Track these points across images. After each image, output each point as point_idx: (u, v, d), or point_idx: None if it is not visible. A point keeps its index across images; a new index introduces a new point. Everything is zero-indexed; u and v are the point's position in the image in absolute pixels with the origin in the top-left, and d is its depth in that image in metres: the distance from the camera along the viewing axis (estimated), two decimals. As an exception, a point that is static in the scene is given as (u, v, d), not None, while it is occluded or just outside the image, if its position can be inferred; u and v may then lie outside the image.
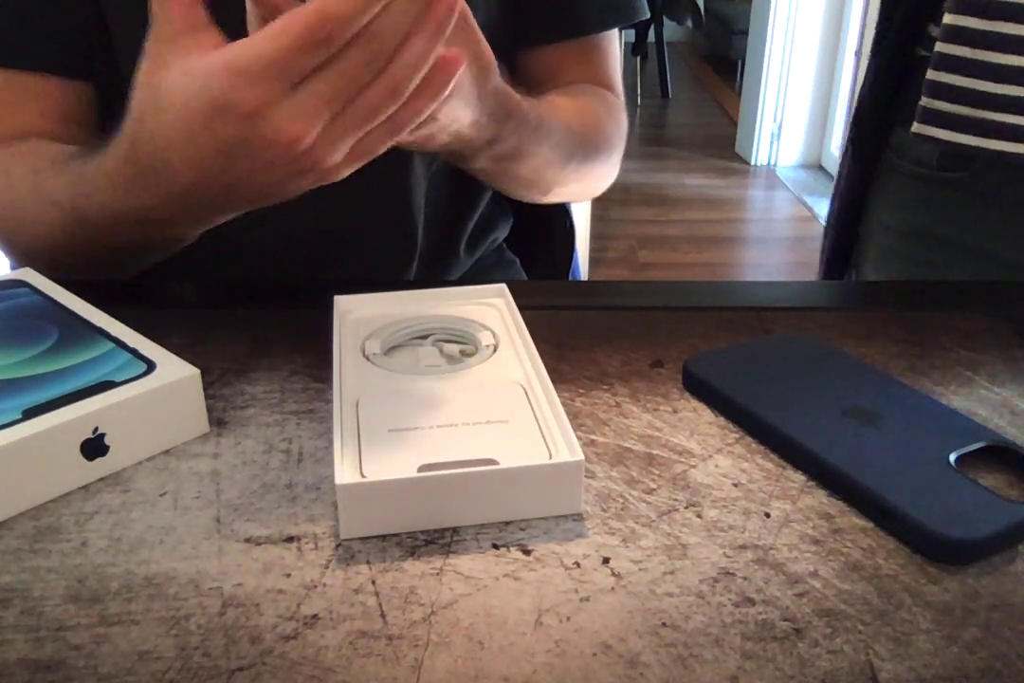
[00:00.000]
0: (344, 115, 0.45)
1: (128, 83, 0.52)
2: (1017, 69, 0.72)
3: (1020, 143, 0.73)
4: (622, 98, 0.83)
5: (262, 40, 0.42)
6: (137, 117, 0.47)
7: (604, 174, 0.79)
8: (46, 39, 0.64)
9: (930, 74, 0.76)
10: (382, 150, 0.48)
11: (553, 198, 0.77)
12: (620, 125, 0.79)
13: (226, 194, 0.49)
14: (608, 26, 0.78)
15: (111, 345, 0.46)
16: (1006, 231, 0.78)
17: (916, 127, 0.78)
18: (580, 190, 0.78)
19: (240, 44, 0.42)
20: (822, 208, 3.32)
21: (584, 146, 0.72)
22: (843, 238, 0.93)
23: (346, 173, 0.48)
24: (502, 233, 0.88)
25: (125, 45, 0.64)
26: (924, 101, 0.77)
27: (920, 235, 0.84)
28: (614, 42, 0.81)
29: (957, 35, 0.74)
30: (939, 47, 0.75)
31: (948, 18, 0.74)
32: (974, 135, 0.75)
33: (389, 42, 0.43)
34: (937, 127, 0.77)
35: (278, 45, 0.41)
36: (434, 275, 0.79)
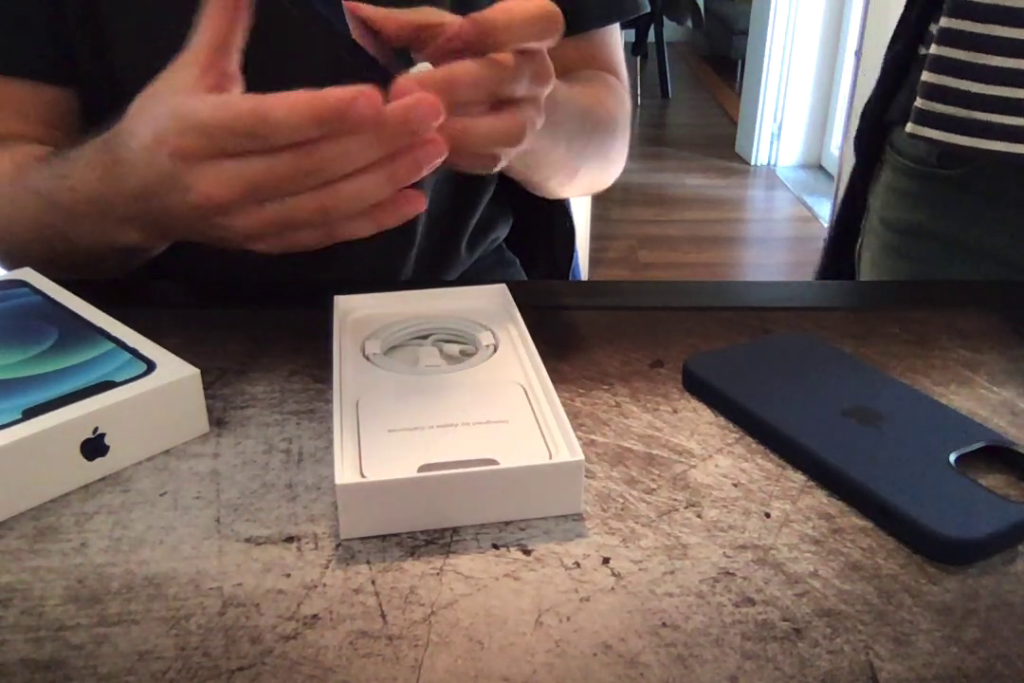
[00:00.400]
0: (270, 204, 0.46)
1: (126, 88, 0.53)
2: (1008, 71, 0.72)
3: (1012, 142, 0.74)
4: (626, 83, 0.83)
5: (208, 103, 0.44)
6: (127, 114, 0.50)
7: (617, 157, 0.79)
8: (29, 45, 0.64)
9: (925, 75, 0.77)
10: (314, 247, 0.48)
11: (576, 184, 0.76)
12: (624, 106, 0.79)
13: (161, 215, 0.50)
14: (611, 20, 0.78)
15: (111, 345, 0.46)
16: (1005, 229, 0.78)
17: (911, 127, 0.79)
18: (599, 174, 0.78)
19: (200, 98, 0.45)
20: (822, 208, 3.32)
21: (596, 122, 0.72)
22: (842, 235, 0.93)
23: (273, 250, 0.48)
24: (502, 233, 0.88)
25: (124, 50, 0.65)
26: (919, 102, 0.78)
27: (919, 232, 0.84)
28: (616, 36, 0.81)
29: (952, 38, 0.75)
30: (934, 49, 0.76)
31: (944, 21, 0.75)
32: (967, 135, 0.76)
33: (331, 167, 0.45)
34: (931, 128, 0.78)
35: (216, 114, 0.44)
36: (434, 275, 0.79)
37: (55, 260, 0.59)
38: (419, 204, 0.48)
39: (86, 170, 0.52)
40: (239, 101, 0.44)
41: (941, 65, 0.76)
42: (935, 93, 0.77)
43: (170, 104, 0.46)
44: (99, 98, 0.67)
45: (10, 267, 0.55)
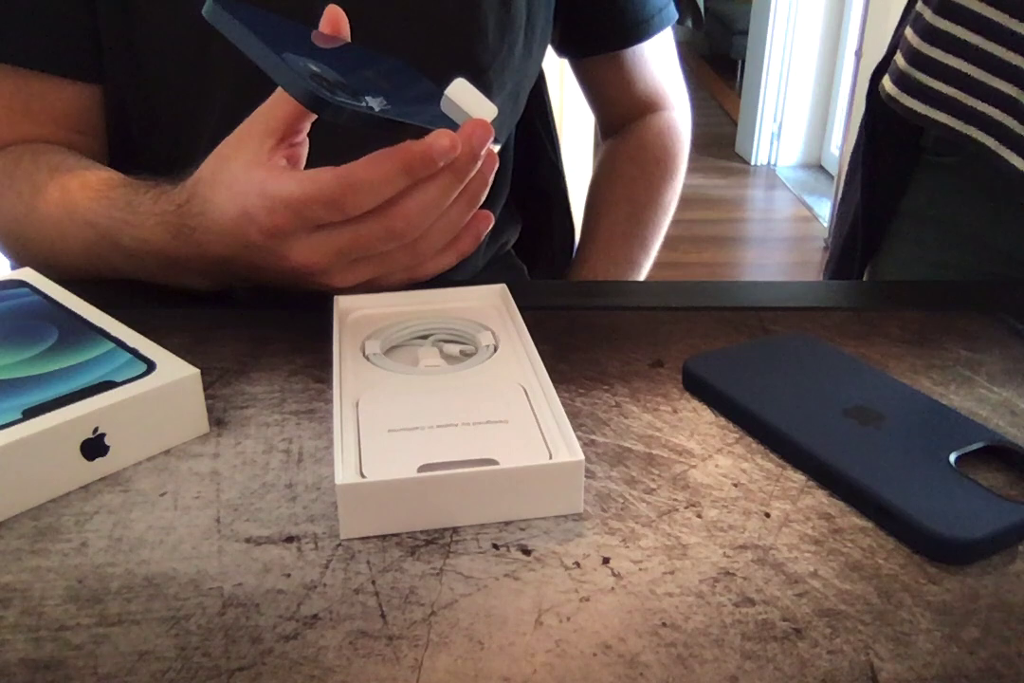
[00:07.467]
0: (362, 261, 0.49)
1: (152, 84, 0.53)
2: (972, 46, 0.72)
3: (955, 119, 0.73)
4: (681, 96, 0.90)
5: (295, 180, 0.46)
6: (199, 178, 0.51)
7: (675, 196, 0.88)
8: (57, 39, 0.64)
9: (908, 34, 0.77)
10: (399, 287, 0.53)
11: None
12: (674, 180, 0.90)
13: (248, 275, 0.52)
14: (661, 28, 0.83)
15: (111, 345, 0.46)
16: (997, 218, 0.78)
17: (885, 81, 0.78)
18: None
19: (288, 175, 0.47)
20: (822, 208, 3.32)
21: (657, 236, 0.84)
22: (861, 241, 0.92)
23: (359, 291, 0.52)
24: (512, 237, 0.88)
25: (151, 47, 0.64)
26: (897, 57, 0.77)
27: (914, 216, 0.83)
28: (668, 39, 0.85)
29: (945, 8, 0.74)
30: (928, 16, 0.75)
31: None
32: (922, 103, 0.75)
33: (420, 223, 0.47)
34: (897, 86, 0.77)
35: (302, 189, 0.45)
36: (442, 276, 0.79)
37: (89, 276, 0.59)
38: (489, 220, 0.51)
39: (159, 228, 0.53)
40: (322, 172, 0.45)
41: (925, 32, 0.75)
42: (911, 56, 0.76)
43: (255, 181, 0.47)
44: (123, 95, 0.67)
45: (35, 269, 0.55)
